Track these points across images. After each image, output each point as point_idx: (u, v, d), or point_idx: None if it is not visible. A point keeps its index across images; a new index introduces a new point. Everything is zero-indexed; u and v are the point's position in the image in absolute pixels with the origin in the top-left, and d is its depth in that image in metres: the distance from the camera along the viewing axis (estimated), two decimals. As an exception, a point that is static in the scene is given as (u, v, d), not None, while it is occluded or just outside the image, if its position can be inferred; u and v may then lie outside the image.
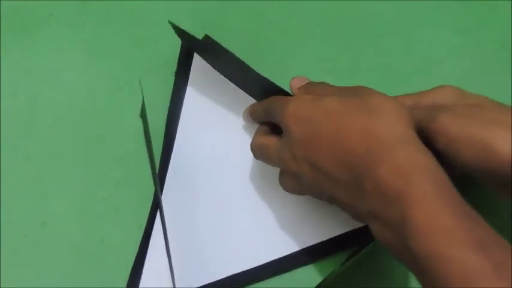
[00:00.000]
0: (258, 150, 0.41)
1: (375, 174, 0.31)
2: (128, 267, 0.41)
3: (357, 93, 0.35)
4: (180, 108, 0.46)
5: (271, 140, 0.39)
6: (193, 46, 0.46)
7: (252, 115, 0.44)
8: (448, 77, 0.48)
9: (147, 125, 0.44)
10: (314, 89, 0.39)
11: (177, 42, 0.48)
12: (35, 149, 0.44)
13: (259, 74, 0.40)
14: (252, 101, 0.45)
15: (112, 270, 0.41)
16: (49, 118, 0.46)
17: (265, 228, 0.42)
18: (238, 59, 0.40)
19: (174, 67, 0.47)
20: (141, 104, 0.44)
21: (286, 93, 0.41)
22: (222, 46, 0.41)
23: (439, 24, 0.50)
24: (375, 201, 0.31)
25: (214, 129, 0.46)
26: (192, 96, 0.46)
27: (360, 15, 0.51)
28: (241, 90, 0.45)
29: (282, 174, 0.40)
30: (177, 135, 0.45)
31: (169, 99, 0.46)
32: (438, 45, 0.50)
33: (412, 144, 0.32)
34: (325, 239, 0.42)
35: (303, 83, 0.41)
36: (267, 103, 0.41)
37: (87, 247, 0.42)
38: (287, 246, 0.42)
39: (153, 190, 0.43)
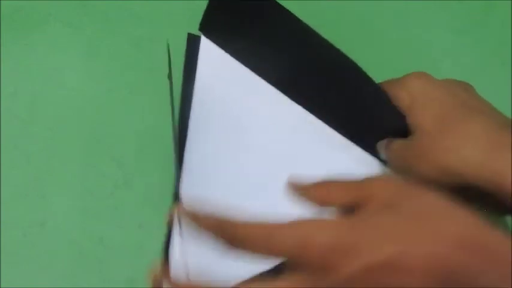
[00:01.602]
0: None
1: None
2: (127, 266, 0.41)
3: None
4: (190, 105, 0.44)
5: None
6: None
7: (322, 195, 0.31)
8: (447, 76, 0.48)
9: (172, 89, 0.43)
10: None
11: (177, 42, 0.48)
12: (34, 149, 0.44)
13: (324, 40, 0.38)
14: (269, 87, 0.44)
15: (111, 270, 0.41)
16: (49, 118, 0.46)
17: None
18: (299, 20, 0.39)
19: (174, 67, 0.47)
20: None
21: (363, 74, 0.39)
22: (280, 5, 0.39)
23: (438, 24, 0.50)
24: None
25: (229, 122, 0.44)
26: (201, 90, 0.44)
27: (360, 15, 0.51)
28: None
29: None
30: (188, 133, 0.43)
31: (169, 99, 0.46)
32: (438, 45, 0.50)
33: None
34: None
35: None
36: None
37: (87, 247, 0.42)
38: None
39: (153, 190, 0.43)
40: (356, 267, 0.26)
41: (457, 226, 0.27)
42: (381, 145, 0.41)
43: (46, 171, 0.44)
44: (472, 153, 0.34)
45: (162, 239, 0.42)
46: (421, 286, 0.26)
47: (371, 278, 0.26)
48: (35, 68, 0.47)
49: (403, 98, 0.38)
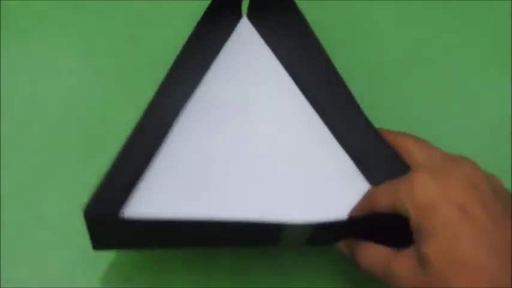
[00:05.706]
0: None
1: None
2: (126, 265, 0.41)
3: None
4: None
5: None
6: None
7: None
8: (446, 75, 0.49)
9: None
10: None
11: (176, 41, 0.48)
12: (34, 149, 0.45)
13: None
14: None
15: (111, 269, 0.41)
16: (48, 118, 0.46)
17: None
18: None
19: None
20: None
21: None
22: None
23: (437, 22, 0.51)
24: None
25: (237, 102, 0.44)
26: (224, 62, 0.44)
27: (358, 15, 0.51)
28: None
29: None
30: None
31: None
32: (436, 44, 0.50)
33: None
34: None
35: None
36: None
37: (86, 246, 0.42)
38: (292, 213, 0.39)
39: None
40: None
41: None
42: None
43: (45, 170, 0.44)
44: None
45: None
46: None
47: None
48: (34, 68, 0.47)
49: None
